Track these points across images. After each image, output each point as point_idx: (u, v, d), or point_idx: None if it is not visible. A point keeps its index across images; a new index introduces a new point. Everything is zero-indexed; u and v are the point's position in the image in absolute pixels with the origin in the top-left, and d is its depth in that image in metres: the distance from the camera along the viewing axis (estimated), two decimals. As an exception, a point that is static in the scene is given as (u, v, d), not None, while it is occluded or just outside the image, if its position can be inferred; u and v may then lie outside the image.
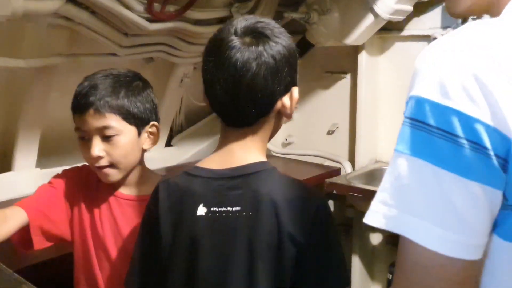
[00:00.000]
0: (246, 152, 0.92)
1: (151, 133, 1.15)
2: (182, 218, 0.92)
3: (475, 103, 0.50)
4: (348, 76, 2.36)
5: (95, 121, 1.05)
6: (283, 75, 0.87)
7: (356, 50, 2.24)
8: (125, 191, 1.16)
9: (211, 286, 0.90)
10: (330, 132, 2.45)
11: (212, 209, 0.90)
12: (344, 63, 2.34)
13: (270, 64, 0.85)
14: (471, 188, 0.50)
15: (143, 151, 1.15)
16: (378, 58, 2.30)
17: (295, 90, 0.92)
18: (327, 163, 2.40)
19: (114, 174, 1.11)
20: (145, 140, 1.14)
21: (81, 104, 1.06)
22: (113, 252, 1.13)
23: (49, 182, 1.16)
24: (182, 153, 2.30)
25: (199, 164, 0.95)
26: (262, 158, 0.93)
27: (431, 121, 0.51)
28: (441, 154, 0.51)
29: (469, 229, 0.51)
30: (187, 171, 0.95)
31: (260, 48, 0.85)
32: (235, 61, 0.84)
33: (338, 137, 2.41)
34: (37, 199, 1.10)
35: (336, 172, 2.28)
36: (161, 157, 2.16)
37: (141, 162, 1.17)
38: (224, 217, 0.89)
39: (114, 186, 1.16)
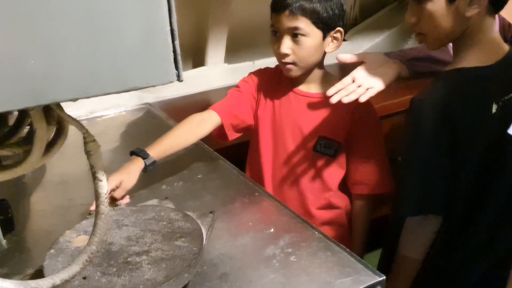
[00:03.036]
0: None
1: (334, 37, 1.23)
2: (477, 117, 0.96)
3: None
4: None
5: (288, 22, 1.17)
6: None
7: None
8: (303, 88, 1.30)
9: None
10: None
11: (501, 104, 0.95)
12: None
13: None
14: None
15: (325, 53, 1.25)
16: None
17: None
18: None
19: (295, 70, 1.24)
20: (328, 44, 1.23)
21: (279, 5, 1.19)
22: (289, 140, 1.30)
23: (237, 86, 1.36)
24: (355, 48, 2.30)
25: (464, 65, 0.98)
26: None
27: None
28: None
29: None
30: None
31: None
32: None
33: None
34: (227, 102, 1.31)
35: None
36: (334, 52, 2.20)
37: (321, 63, 1.27)
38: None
39: (294, 84, 1.30)
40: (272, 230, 1.01)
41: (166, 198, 1.04)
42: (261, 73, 1.37)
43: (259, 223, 1.04)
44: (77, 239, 0.86)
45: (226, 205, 1.11)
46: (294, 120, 1.29)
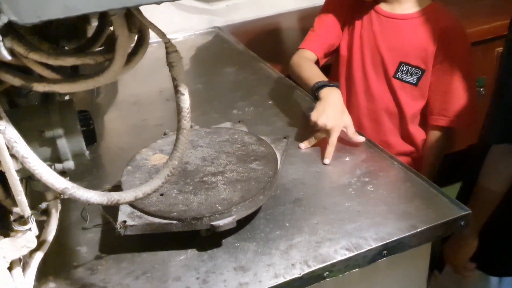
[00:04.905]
0: None
1: None
2: None
3: None
4: None
5: None
6: None
7: None
8: (387, 8, 1.20)
9: None
10: None
11: None
12: None
13: None
14: None
15: None
16: None
17: None
18: None
19: None
20: None
21: None
22: (368, 64, 1.21)
23: (322, 11, 1.26)
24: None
25: None
26: None
27: None
28: None
29: None
30: None
31: None
32: None
33: None
34: (316, 35, 1.24)
35: None
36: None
37: None
38: None
39: (377, 1, 1.19)
40: (347, 158, 0.97)
41: (240, 121, 1.01)
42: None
43: (334, 151, 1.00)
44: (153, 157, 0.87)
45: (299, 132, 1.07)
46: (374, 42, 1.20)
